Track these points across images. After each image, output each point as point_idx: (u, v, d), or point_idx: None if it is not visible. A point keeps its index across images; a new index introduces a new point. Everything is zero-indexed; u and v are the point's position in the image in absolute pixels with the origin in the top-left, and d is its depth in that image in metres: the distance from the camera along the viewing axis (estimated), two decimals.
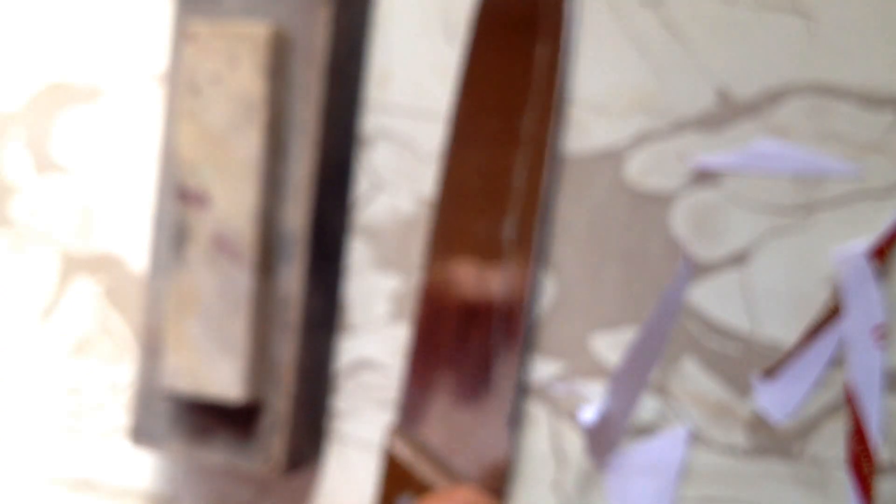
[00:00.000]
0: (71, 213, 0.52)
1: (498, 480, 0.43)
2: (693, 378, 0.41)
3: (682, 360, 0.41)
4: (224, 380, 0.43)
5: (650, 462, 0.41)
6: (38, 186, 0.52)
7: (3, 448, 0.53)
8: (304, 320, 0.44)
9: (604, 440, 0.41)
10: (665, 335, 0.38)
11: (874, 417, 0.39)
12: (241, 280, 0.43)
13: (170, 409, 0.46)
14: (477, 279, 0.43)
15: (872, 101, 0.39)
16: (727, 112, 0.41)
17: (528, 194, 0.42)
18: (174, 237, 0.44)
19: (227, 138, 0.43)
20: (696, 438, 0.41)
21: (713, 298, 0.41)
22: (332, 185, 0.45)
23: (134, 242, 0.50)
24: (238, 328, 0.43)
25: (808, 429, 0.40)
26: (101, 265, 0.51)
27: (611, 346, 0.42)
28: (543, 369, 0.43)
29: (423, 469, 0.43)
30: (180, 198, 0.44)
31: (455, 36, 0.45)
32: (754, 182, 0.40)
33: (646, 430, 0.42)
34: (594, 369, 0.42)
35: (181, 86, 0.44)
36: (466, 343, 0.43)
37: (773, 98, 0.40)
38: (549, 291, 0.43)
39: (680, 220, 0.41)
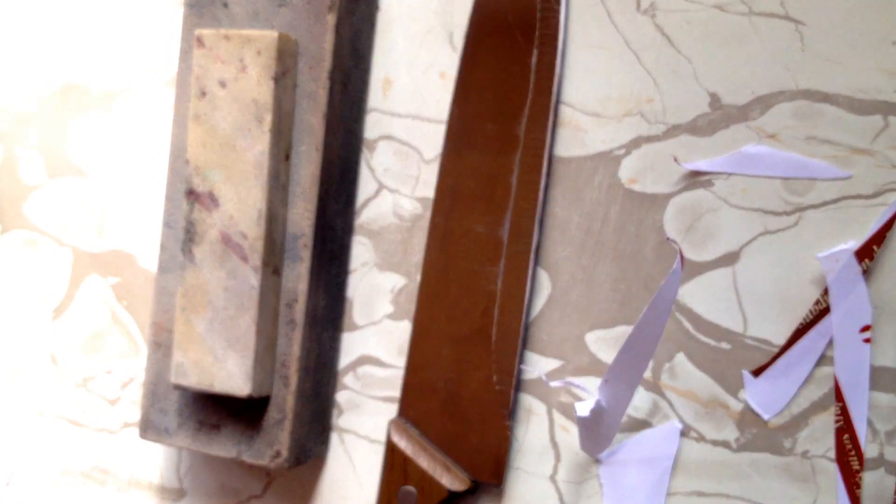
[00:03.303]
0: (83, 212, 0.51)
1: (496, 473, 0.43)
2: (685, 374, 0.41)
3: (675, 356, 0.41)
4: (232, 375, 0.43)
5: (644, 455, 0.41)
6: (51, 187, 0.52)
7: (17, 440, 0.53)
8: (310, 318, 0.44)
9: (599, 434, 0.41)
10: (658, 333, 0.38)
11: (862, 413, 0.39)
12: (249, 278, 0.43)
13: (178, 403, 0.45)
14: (475, 278, 0.43)
15: (861, 106, 0.39)
16: (720, 117, 0.41)
17: (525, 196, 0.42)
18: (183, 237, 0.44)
19: (235, 141, 0.43)
20: (687, 433, 0.41)
21: (705, 297, 0.41)
22: (337, 187, 0.44)
23: (145, 241, 0.50)
24: (245, 325, 0.43)
25: (797, 424, 0.40)
26: (113, 263, 0.51)
27: (605, 343, 0.42)
28: (540, 366, 0.43)
29: (423, 462, 0.43)
30: (189, 198, 0.44)
31: (456, 42, 0.44)
32: (745, 185, 0.40)
33: (639, 425, 0.42)
34: (589, 365, 0.42)
35: (190, 90, 0.44)
36: (465, 340, 0.43)
37: (764, 103, 0.40)
38: (546, 290, 0.43)
39: (672, 222, 0.41)
